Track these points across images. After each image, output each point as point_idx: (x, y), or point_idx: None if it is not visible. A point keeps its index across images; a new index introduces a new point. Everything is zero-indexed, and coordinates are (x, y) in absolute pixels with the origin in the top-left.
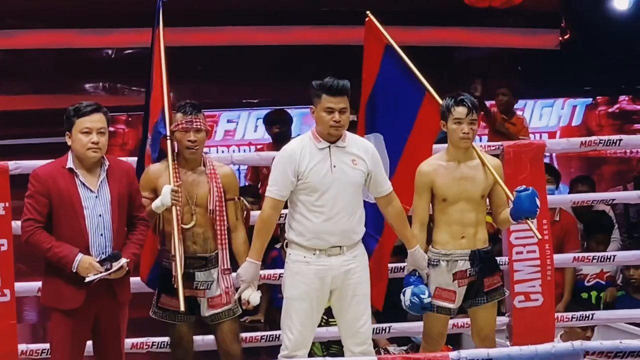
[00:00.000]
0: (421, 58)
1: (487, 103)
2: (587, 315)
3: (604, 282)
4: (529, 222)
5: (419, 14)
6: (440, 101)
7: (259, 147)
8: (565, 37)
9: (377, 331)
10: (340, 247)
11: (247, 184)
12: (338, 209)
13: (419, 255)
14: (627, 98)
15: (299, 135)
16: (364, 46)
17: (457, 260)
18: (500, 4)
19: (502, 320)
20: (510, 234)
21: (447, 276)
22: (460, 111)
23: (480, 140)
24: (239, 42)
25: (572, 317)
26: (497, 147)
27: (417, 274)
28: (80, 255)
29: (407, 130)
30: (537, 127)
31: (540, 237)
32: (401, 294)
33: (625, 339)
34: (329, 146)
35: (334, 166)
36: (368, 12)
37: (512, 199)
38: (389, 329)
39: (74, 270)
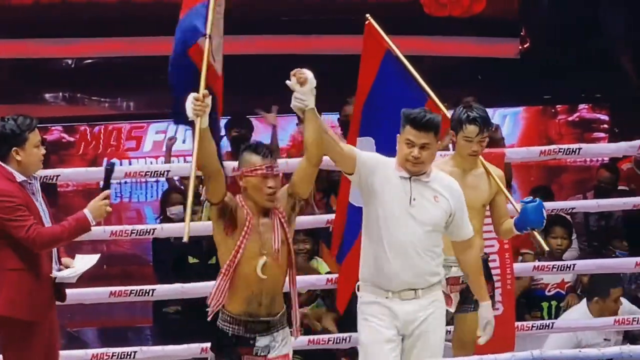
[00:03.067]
0: None
1: None
2: (547, 324)
3: (564, 292)
4: (535, 233)
5: (377, 22)
6: (443, 108)
7: (188, 158)
8: (525, 46)
9: (337, 341)
10: (415, 290)
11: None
12: (413, 249)
13: (487, 310)
14: (587, 106)
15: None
16: (363, 49)
17: (450, 266)
18: (460, 13)
19: None
20: None
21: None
22: (471, 130)
23: None
24: None
25: (533, 326)
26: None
27: None
28: (86, 211)
29: None
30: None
31: (547, 248)
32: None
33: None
34: (410, 177)
35: (414, 199)
36: (368, 15)
37: (518, 210)
38: (350, 339)
39: (93, 224)
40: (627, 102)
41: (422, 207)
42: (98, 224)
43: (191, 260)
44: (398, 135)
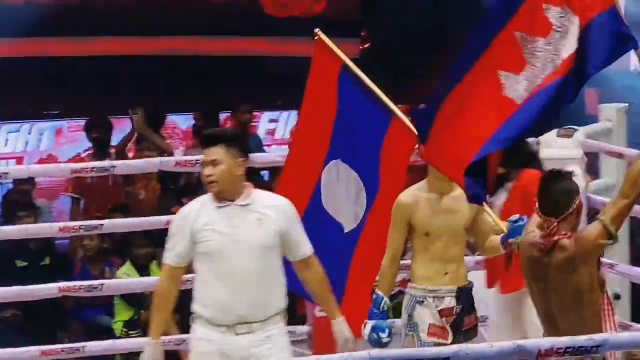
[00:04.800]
0: (227, 68)
1: None
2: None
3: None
4: None
5: (218, 23)
6: (410, 125)
7: (10, 160)
8: (365, 46)
9: (178, 343)
10: (249, 323)
11: (71, 196)
12: (244, 277)
13: (343, 328)
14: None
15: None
16: (312, 66)
17: (444, 297)
18: (299, 14)
19: (303, 329)
20: None
21: (436, 312)
22: None
23: None
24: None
25: None
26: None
27: (382, 308)
28: None
29: (375, 161)
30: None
31: None
32: (362, 325)
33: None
34: (229, 205)
35: (235, 226)
36: (317, 30)
37: (505, 229)
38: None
39: None
40: None
41: (245, 232)
42: None
43: (20, 264)
44: None
